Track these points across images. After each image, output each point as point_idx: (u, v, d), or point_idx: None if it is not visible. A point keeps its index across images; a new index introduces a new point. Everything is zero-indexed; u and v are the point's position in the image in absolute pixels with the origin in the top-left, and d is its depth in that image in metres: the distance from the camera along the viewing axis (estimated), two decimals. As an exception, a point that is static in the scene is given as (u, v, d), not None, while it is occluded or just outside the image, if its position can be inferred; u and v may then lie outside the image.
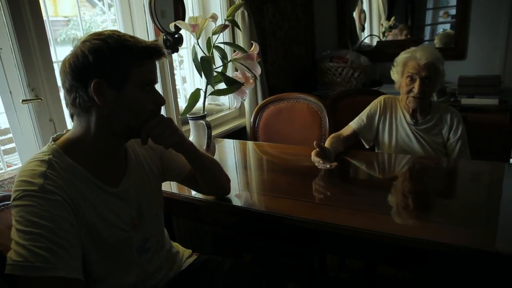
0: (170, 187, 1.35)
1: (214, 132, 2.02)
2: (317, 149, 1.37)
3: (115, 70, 0.82)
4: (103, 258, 0.88)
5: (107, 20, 1.81)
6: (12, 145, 1.55)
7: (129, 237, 0.93)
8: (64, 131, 0.93)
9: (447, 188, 1.33)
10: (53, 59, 1.37)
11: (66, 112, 1.44)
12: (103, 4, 1.91)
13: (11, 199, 0.77)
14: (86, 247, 0.84)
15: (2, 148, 1.44)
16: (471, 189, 1.28)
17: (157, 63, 0.90)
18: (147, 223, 0.99)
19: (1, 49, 1.28)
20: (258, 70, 1.48)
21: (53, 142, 0.87)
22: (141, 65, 0.85)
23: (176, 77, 2.01)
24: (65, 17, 2.24)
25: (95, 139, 0.87)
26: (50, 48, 1.34)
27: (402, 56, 1.56)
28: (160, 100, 0.91)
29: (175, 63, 2.10)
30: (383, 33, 3.21)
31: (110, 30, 0.85)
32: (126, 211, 0.93)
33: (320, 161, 1.35)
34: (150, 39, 1.63)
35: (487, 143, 1.74)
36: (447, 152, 1.62)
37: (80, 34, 1.65)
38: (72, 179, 0.83)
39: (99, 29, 2.33)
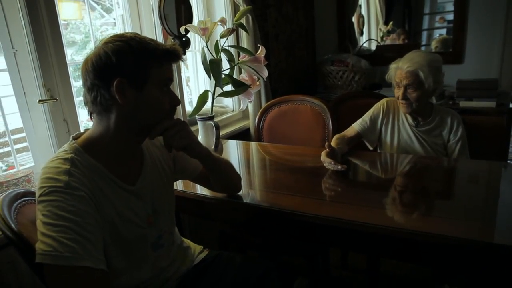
0: (176, 185, 1.38)
1: (219, 134, 2.06)
2: (327, 150, 1.41)
3: (136, 71, 0.86)
4: (121, 253, 0.92)
5: (107, 24, 1.84)
6: (22, 144, 1.58)
7: (144, 234, 0.97)
8: (83, 130, 0.96)
9: (448, 185, 1.38)
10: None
11: (79, 113, 1.49)
12: (102, 8, 1.96)
13: (37, 195, 0.80)
14: (106, 243, 0.87)
15: (17, 147, 1.47)
16: (471, 186, 1.33)
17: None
18: (161, 220, 1.03)
19: (16, 50, 1.32)
20: (265, 73, 1.52)
21: (73, 141, 0.90)
22: (160, 67, 0.89)
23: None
24: (64, 20, 2.28)
25: (114, 138, 0.90)
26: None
27: (392, 66, 1.64)
28: (175, 101, 0.95)
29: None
30: (382, 38, 3.27)
31: (131, 33, 0.89)
32: (142, 208, 0.97)
33: (332, 162, 1.40)
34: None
35: (485, 144, 1.79)
36: (447, 153, 1.67)
37: (79, 38, 1.70)
38: (93, 177, 0.86)
39: (98, 32, 2.38)
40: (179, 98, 1.90)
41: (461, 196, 1.26)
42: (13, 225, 0.84)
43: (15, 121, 1.46)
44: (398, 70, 1.59)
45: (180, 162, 1.15)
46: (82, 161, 0.86)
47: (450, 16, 2.84)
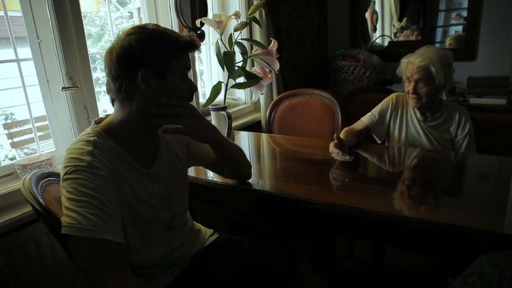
0: (188, 171, 1.43)
1: (231, 125, 2.12)
2: (336, 141, 1.46)
3: (159, 61, 0.91)
4: (137, 232, 0.98)
5: (121, 17, 1.90)
6: (41, 133, 1.66)
7: (159, 214, 1.03)
8: (104, 115, 1.02)
9: (457, 178, 1.41)
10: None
11: (99, 100, 1.55)
12: (117, 1, 2.02)
13: (62, 174, 0.87)
14: (124, 222, 0.94)
15: (38, 134, 1.55)
16: (480, 179, 1.35)
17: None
18: (175, 202, 1.09)
19: (41, 41, 1.39)
20: (277, 65, 1.57)
21: (96, 125, 0.96)
22: (180, 56, 0.94)
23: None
24: (82, 13, 2.36)
25: (135, 123, 0.96)
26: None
27: (403, 60, 1.67)
28: (193, 87, 1.01)
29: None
30: (395, 34, 3.27)
31: (152, 24, 0.94)
32: (157, 190, 1.03)
33: (339, 153, 1.44)
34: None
35: (494, 141, 1.80)
36: (454, 149, 1.69)
37: (95, 30, 1.76)
38: (113, 159, 0.92)
39: (114, 25, 2.45)
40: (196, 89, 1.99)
41: (470, 189, 1.28)
42: (41, 200, 0.91)
43: (37, 110, 1.54)
44: (409, 64, 1.62)
45: (194, 149, 1.21)
46: (104, 144, 0.92)
47: (466, 13, 2.82)
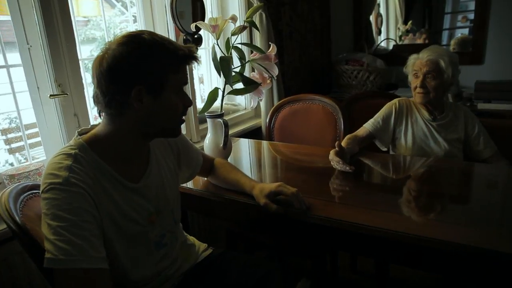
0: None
1: (229, 132, 2.05)
2: (337, 148, 1.39)
3: (155, 77, 0.85)
4: (126, 250, 0.92)
5: (126, 21, 1.86)
6: (36, 139, 1.62)
7: (145, 232, 0.96)
8: (90, 126, 0.96)
9: (461, 189, 1.34)
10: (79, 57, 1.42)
11: (89, 108, 1.50)
12: (122, 5, 1.98)
13: (40, 190, 0.82)
14: (110, 239, 0.88)
15: (29, 142, 1.50)
16: (486, 191, 1.29)
17: None
18: (164, 219, 1.03)
19: (30, 46, 1.35)
20: (275, 71, 1.51)
21: (79, 136, 0.90)
22: (178, 72, 0.88)
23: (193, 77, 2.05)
24: (85, 17, 2.31)
25: (122, 139, 0.90)
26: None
27: (411, 58, 1.66)
28: (188, 102, 0.95)
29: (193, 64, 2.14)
30: (400, 37, 3.20)
31: (148, 33, 0.86)
32: (144, 206, 0.96)
33: (340, 162, 1.38)
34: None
35: (504, 149, 1.73)
36: (464, 148, 1.65)
37: (99, 34, 1.71)
38: (95, 174, 0.86)
39: (117, 30, 2.39)
40: (194, 96, 1.94)
41: (477, 202, 1.21)
42: (17, 218, 0.86)
43: (31, 116, 1.49)
44: (417, 60, 1.62)
45: (185, 157, 1.16)
46: (86, 157, 0.86)
47: (473, 16, 2.76)
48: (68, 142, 0.91)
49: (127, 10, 1.94)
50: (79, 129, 0.94)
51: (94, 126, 0.95)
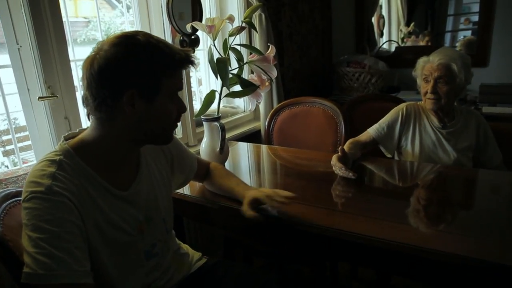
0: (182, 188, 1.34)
1: (228, 135, 2.01)
2: (340, 153, 1.34)
3: (148, 82, 0.80)
4: (114, 261, 0.87)
5: (125, 22, 1.82)
6: (28, 142, 1.57)
7: (134, 241, 0.91)
8: (77, 130, 0.92)
9: (466, 199, 1.29)
10: (72, 58, 1.38)
11: (81, 111, 1.45)
12: (123, 6, 1.93)
13: (22, 199, 0.77)
14: (97, 249, 0.83)
15: (19, 145, 1.45)
16: (491, 201, 1.24)
17: None
18: (155, 228, 0.98)
19: (20, 46, 1.30)
20: (274, 73, 1.46)
21: (65, 142, 0.85)
22: (173, 76, 0.84)
23: (191, 79, 2.01)
24: (85, 18, 2.27)
25: (112, 145, 0.85)
26: (69, 48, 1.35)
27: (420, 61, 1.57)
28: (182, 108, 0.90)
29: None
30: (402, 39, 3.16)
31: (143, 34, 0.81)
32: (133, 215, 0.91)
33: (342, 168, 1.32)
34: (167, 40, 1.63)
35: (509, 152, 1.68)
36: (474, 156, 1.58)
37: (99, 36, 1.66)
38: (81, 181, 0.81)
39: (118, 31, 2.35)
40: (191, 98, 1.89)
41: (482, 212, 1.16)
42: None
43: (19, 119, 1.45)
44: (427, 63, 1.52)
45: (178, 169, 1.12)
46: (71, 164, 0.81)
47: (476, 18, 2.72)
48: (54, 148, 0.86)
49: (127, 11, 1.90)
50: (66, 134, 0.89)
51: (82, 130, 0.90)
